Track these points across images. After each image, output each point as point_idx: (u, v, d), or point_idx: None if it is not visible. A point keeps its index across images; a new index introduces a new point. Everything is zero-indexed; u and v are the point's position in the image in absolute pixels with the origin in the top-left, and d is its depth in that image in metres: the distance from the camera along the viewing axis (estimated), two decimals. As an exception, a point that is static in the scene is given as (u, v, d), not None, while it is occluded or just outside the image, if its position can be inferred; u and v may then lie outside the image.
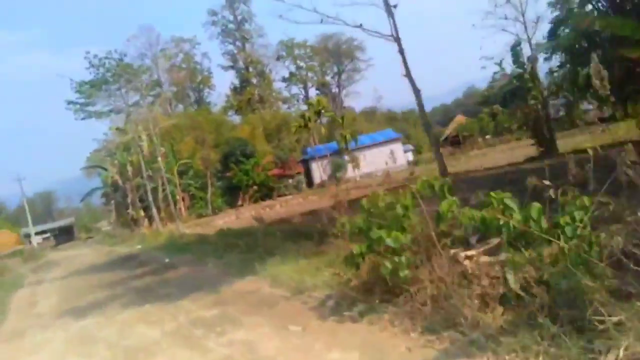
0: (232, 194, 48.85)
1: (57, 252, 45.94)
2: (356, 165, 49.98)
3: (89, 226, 72.49)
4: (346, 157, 50.83)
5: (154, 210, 33.82)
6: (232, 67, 78.75)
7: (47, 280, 19.53)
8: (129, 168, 41.16)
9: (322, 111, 50.52)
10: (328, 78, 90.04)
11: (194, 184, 46.18)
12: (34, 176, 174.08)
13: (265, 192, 47.81)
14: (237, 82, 79.16)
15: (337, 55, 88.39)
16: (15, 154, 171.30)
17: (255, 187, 47.78)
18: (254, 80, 78.48)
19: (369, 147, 52.05)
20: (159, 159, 31.70)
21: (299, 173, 50.37)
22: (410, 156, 55.82)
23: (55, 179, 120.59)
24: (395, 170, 49.69)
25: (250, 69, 77.61)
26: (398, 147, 53.16)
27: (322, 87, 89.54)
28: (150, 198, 34.17)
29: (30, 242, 62.89)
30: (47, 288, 16.76)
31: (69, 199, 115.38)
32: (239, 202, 49.53)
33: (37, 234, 66.58)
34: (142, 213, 41.77)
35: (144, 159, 41.93)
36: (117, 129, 43.00)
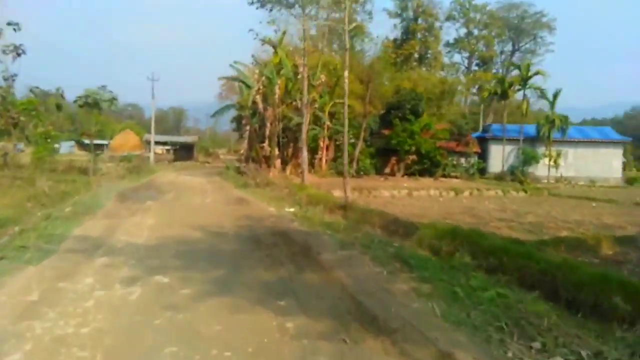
0: (382, 158, 36.11)
1: (170, 170, 36.52)
2: (555, 163, 34.80)
3: (210, 150, 64.33)
4: (543, 149, 35.76)
5: (304, 153, 22.02)
6: (399, 15, 64.42)
7: (116, 248, 8.08)
8: (277, 91, 29.74)
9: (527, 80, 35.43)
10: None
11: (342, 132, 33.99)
12: (172, 93, 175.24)
13: (428, 166, 34.46)
14: (397, 33, 64.95)
15: (517, 30, 70.63)
16: (165, 70, 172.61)
17: (413, 157, 34.61)
18: (419, 35, 63.86)
19: (576, 143, 36.28)
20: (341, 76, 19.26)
21: (476, 153, 36.19)
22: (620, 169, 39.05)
23: (189, 100, 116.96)
24: (607, 184, 33.86)
25: (420, 21, 62.88)
26: (616, 155, 36.68)
27: (484, 63, 72.79)
28: (304, 136, 22.29)
29: (149, 149, 55.79)
30: (90, 299, 5.14)
31: (196, 121, 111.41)
32: (387, 170, 36.85)
33: (158, 143, 59.43)
34: (276, 151, 30.52)
35: (296, 82, 30.30)
36: (269, 41, 31.64)
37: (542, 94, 35.01)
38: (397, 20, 64.82)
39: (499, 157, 35.95)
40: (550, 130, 34.64)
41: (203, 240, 9.00)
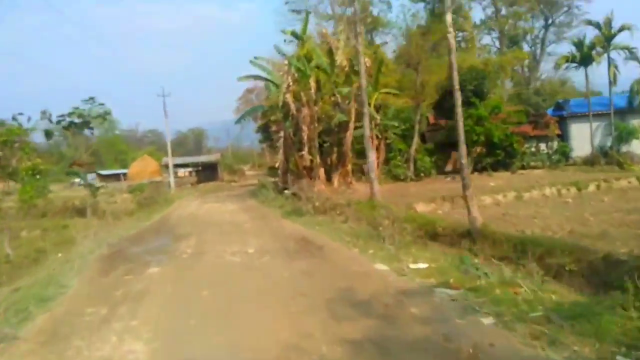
0: (443, 153, 29.07)
1: (192, 196, 30.14)
2: (660, 137, 27.24)
3: (234, 167, 58.11)
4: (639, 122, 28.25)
5: (372, 157, 15.22)
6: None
7: None
8: (312, 84, 23.15)
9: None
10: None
11: (394, 127, 27.09)
12: (190, 115, 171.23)
13: (502, 157, 27.23)
14: (421, 19, 57.58)
15: (549, 3, 62.55)
16: (180, 94, 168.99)
17: (480, 148, 27.41)
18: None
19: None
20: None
21: (559, 136, 28.82)
22: None
23: (208, 120, 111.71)
24: None
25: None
26: None
27: (514, 43, 64.68)
28: (367, 133, 15.47)
29: (168, 174, 49.97)
30: None
31: (217, 140, 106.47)
32: (449, 167, 29.80)
33: (178, 166, 53.49)
34: (318, 159, 23.78)
35: (332, 72, 23.70)
36: (293, 33, 25.15)
37: (632, 54, 27.50)
38: (421, 6, 57.65)
39: (583, 137, 28.48)
40: (647, 99, 27.17)
41: None
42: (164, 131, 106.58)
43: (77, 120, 17.39)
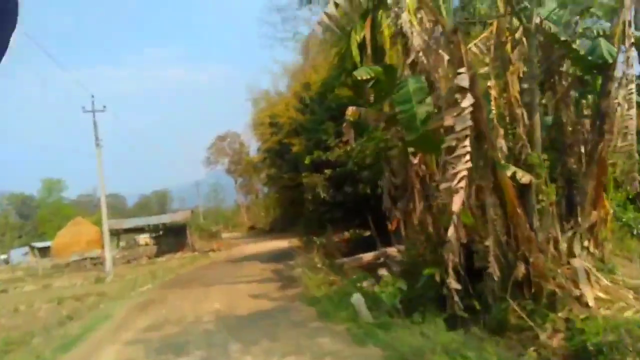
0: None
1: (138, 305, 11.53)
2: None
3: (210, 229, 39.58)
4: None
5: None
6: None
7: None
8: None
9: None
10: None
11: None
12: (155, 178, 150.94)
13: None
14: None
15: None
16: (143, 155, 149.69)
17: None
18: None
19: None
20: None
21: None
22: None
23: (176, 183, 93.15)
24: None
25: None
26: None
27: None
28: None
29: (117, 241, 31.14)
30: None
31: (182, 200, 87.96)
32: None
33: (132, 231, 34.90)
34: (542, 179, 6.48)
35: None
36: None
37: None
38: None
39: None
40: None
41: None
42: (126, 194, 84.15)
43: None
